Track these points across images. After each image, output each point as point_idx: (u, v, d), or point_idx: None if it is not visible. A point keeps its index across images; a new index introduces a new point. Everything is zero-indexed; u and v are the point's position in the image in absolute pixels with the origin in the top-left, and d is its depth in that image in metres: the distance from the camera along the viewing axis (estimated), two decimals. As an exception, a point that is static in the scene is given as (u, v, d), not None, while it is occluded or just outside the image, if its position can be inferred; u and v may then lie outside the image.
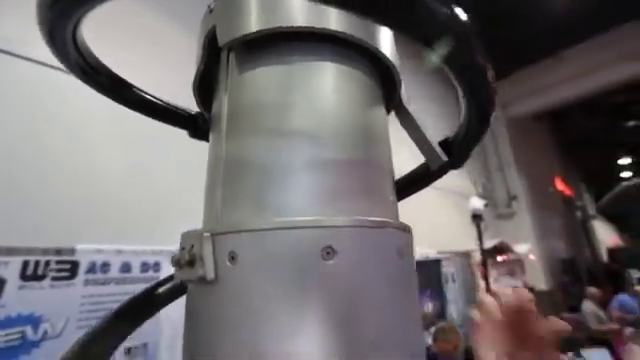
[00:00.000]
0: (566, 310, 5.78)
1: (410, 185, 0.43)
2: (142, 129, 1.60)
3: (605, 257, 8.57)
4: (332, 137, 0.27)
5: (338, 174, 0.25)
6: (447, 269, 3.95)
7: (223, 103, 0.30)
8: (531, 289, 5.32)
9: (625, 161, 10.56)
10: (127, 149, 1.94)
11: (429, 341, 2.65)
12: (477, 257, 4.17)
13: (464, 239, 4.48)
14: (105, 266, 1.62)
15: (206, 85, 0.36)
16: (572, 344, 3.75)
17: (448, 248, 4.16)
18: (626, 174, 11.19)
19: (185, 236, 0.25)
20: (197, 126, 0.45)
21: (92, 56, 0.34)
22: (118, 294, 1.58)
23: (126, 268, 1.64)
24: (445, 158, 0.34)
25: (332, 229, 0.22)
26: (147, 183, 1.92)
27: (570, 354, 3.44)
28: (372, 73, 0.33)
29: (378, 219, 0.25)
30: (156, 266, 1.74)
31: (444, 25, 0.20)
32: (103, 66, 0.36)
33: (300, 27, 0.28)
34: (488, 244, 4.39)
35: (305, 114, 0.27)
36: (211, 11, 0.31)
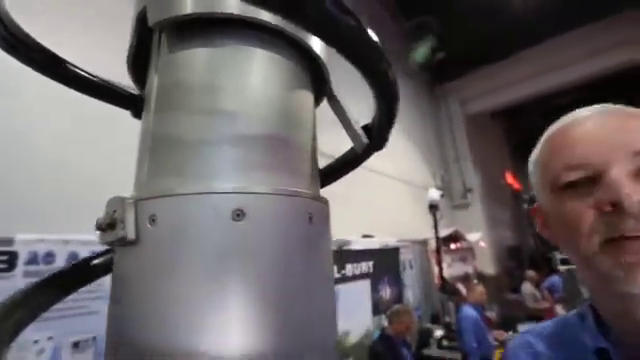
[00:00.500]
0: (509, 292, 6.35)
1: (342, 167, 0.47)
2: (89, 113, 1.52)
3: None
4: (254, 116, 0.29)
5: (257, 150, 0.28)
6: (405, 256, 4.16)
7: (153, 82, 0.31)
8: (480, 274, 5.76)
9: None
10: (73, 133, 1.83)
11: (385, 323, 2.80)
12: (433, 245, 4.43)
13: (422, 228, 4.73)
14: (49, 257, 1.54)
15: (144, 63, 0.37)
16: (512, 322, 4.16)
17: (407, 237, 4.38)
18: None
19: (110, 202, 0.26)
20: (140, 106, 0.45)
21: (19, 29, 0.34)
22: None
23: (73, 259, 1.56)
24: (366, 140, 0.38)
25: (243, 195, 0.25)
26: (96, 169, 1.83)
27: (510, 332, 3.80)
28: (302, 64, 0.36)
29: (291, 188, 0.28)
30: (107, 254, 1.68)
31: (355, 39, 0.24)
32: (33, 41, 0.36)
33: (232, 14, 0.30)
34: (443, 233, 4.68)
35: (229, 94, 0.29)
36: (144, -10, 0.32)
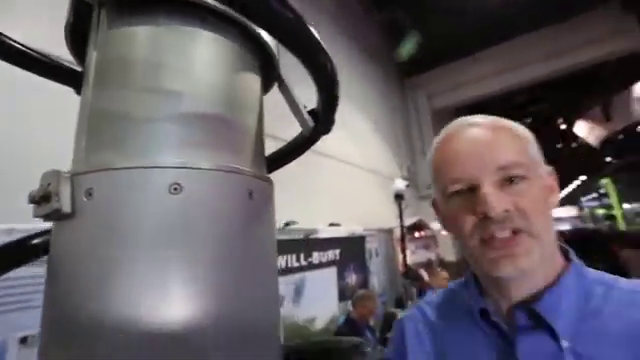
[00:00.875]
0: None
1: (293, 150, 0.49)
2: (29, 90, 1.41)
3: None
4: (197, 96, 0.30)
5: (197, 128, 0.29)
6: (371, 245, 4.29)
7: (92, 57, 0.31)
8: (442, 260, 6.09)
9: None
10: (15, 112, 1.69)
11: (350, 307, 2.90)
12: (398, 233, 4.60)
13: (388, 217, 4.89)
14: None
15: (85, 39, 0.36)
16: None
17: (374, 226, 4.50)
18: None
19: (44, 175, 0.26)
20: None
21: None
22: (11, 279, 1.42)
23: None
24: (312, 123, 0.40)
25: (181, 169, 0.26)
26: (43, 150, 1.71)
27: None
28: (250, 49, 0.37)
29: (232, 165, 0.29)
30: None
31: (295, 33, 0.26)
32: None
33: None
34: (408, 221, 4.87)
35: (173, 73, 0.30)
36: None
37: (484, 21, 6.17)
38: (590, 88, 8.32)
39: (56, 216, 0.25)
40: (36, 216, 0.26)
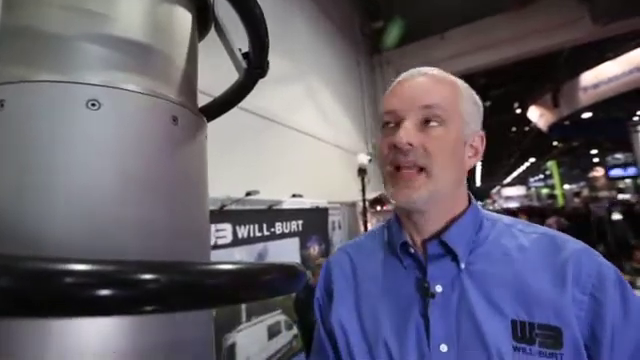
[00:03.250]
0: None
1: (232, 97, 0.50)
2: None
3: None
4: (121, 20, 0.31)
5: (120, 51, 0.30)
6: (334, 217, 4.42)
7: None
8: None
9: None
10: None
11: (309, 275, 3.03)
12: (360, 207, 4.77)
13: (352, 191, 5.03)
14: None
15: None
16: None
17: (337, 199, 4.63)
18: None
19: None
20: None
21: None
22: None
23: None
24: (244, 65, 0.42)
25: (99, 87, 0.27)
26: None
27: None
28: None
29: (154, 89, 0.31)
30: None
31: None
32: None
33: None
34: (371, 195, 5.05)
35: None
36: None
37: (452, 2, 6.25)
38: (543, 76, 8.86)
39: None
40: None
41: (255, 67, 0.43)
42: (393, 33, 6.14)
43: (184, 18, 0.38)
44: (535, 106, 10.95)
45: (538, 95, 10.29)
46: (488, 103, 10.33)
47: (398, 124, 0.49)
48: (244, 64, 0.42)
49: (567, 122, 10.33)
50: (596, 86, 8.37)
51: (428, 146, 0.47)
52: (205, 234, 0.37)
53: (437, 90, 0.50)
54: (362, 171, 4.43)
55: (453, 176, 0.50)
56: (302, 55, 4.29)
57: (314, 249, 3.93)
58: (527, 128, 12.80)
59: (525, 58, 7.13)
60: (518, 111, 11.78)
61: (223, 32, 0.44)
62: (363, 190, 4.52)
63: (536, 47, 6.77)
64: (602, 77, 8.19)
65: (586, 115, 9.59)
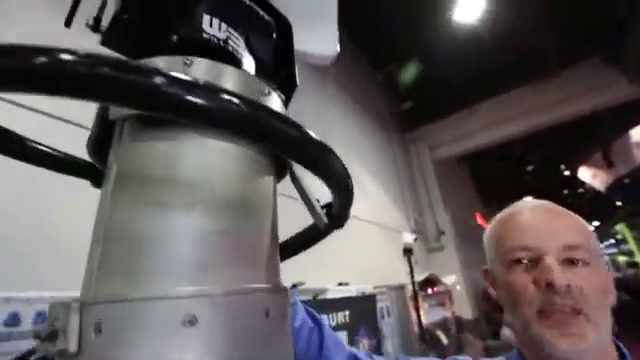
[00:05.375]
0: (490, 337, 6.23)
1: (305, 241, 0.48)
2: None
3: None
4: (209, 209, 0.30)
5: (212, 245, 0.28)
6: (382, 303, 4.06)
7: (112, 170, 0.32)
8: (459, 319, 5.69)
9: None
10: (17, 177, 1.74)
11: None
12: (409, 290, 4.37)
13: (398, 273, 4.69)
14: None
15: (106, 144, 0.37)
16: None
17: (383, 282, 4.31)
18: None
19: (52, 307, 0.25)
20: (99, 174, 0.45)
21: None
22: (2, 354, 1.33)
23: (13, 320, 1.38)
24: (325, 220, 0.40)
25: (194, 299, 0.25)
26: (41, 216, 1.71)
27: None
28: (266, 152, 0.37)
29: (247, 286, 0.28)
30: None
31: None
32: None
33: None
34: (419, 277, 4.65)
35: (185, 187, 0.30)
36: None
37: (476, 78, 6.56)
38: (587, 135, 8.52)
39: (61, 356, 0.24)
40: (41, 352, 0.25)
41: (337, 220, 0.40)
42: (411, 73, 6.30)
43: (267, 184, 0.37)
44: (585, 167, 10.32)
45: (586, 155, 9.77)
46: (530, 167, 9.94)
47: (535, 261, 0.45)
48: (325, 218, 0.40)
49: (627, 180, 9.50)
50: (650, 141, 7.84)
51: (583, 289, 0.42)
52: None
53: (573, 227, 0.47)
54: (408, 251, 4.17)
55: (609, 322, 0.44)
56: (338, 140, 4.52)
57: (364, 344, 3.52)
58: (581, 190, 11.89)
59: (558, 124, 7.00)
60: (566, 173, 11.12)
61: (300, 182, 0.43)
62: (411, 272, 4.19)
63: (571, 111, 6.67)
64: (655, 131, 7.71)
65: (647, 172, 8.80)
